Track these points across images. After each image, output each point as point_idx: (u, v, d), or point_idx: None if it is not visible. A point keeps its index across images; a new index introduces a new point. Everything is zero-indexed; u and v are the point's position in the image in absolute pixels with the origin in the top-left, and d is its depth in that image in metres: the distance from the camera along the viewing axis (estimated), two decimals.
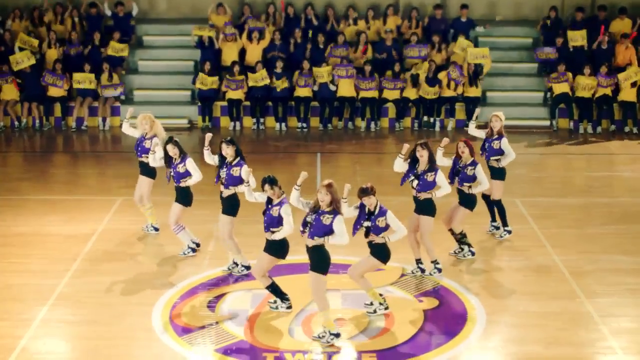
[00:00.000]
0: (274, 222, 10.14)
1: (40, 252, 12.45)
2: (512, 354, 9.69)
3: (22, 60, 20.14)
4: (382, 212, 10.23)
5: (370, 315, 10.44)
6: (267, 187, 10.13)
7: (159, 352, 9.65)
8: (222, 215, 11.54)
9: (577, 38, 20.99)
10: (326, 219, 9.63)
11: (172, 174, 12.01)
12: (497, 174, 12.82)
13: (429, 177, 11.35)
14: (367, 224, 10.22)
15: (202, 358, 9.53)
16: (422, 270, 11.65)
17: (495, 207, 13.00)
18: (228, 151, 11.34)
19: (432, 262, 11.66)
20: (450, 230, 12.21)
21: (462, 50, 20.77)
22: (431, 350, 9.68)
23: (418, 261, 11.71)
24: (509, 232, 12.98)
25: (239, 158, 11.36)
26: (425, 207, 11.51)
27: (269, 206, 10.19)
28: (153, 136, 12.65)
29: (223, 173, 11.37)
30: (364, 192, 10.11)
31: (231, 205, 11.48)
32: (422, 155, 11.33)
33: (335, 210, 9.65)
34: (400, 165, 11.59)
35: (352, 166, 17.52)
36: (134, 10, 21.84)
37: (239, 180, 11.27)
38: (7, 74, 20.14)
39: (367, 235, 10.28)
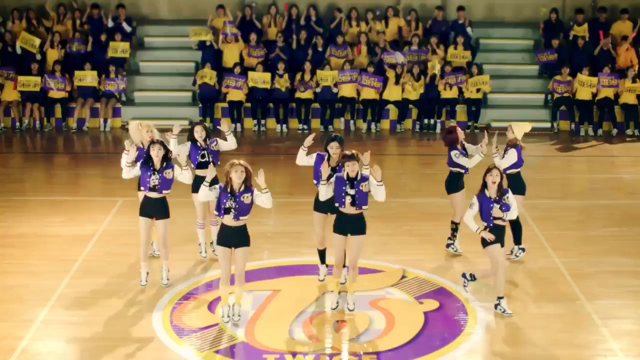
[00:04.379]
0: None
1: (41, 253, 12.45)
2: (512, 356, 9.68)
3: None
4: (365, 178, 10.18)
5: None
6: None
7: (159, 354, 9.64)
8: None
9: (580, 30, 21.10)
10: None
11: (205, 159, 11.63)
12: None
13: (507, 200, 10.38)
14: (351, 191, 10.11)
15: None
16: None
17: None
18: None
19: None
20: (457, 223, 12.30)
21: (456, 58, 20.83)
22: (431, 352, 9.67)
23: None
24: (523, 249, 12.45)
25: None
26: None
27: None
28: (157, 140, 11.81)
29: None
30: (350, 157, 10.04)
31: None
32: (495, 181, 10.27)
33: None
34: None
35: None
36: (127, 29, 21.78)
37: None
38: (9, 69, 20.20)
39: (353, 204, 10.14)
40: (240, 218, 9.92)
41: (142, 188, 10.98)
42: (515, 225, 12.00)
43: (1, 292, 11.16)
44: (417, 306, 10.83)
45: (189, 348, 9.74)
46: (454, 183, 12.18)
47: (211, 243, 12.09)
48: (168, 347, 9.76)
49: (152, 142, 10.86)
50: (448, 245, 12.46)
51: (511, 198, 10.32)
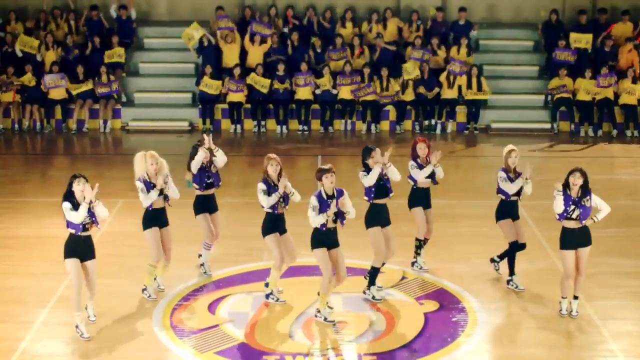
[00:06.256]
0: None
1: (40, 255, 12.45)
2: (512, 357, 9.69)
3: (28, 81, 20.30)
4: (341, 193, 10.23)
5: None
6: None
7: (159, 355, 9.65)
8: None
9: (581, 40, 21.03)
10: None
11: (210, 180, 11.51)
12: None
13: (587, 202, 10.51)
14: (334, 210, 10.10)
15: None
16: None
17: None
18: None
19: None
20: (426, 239, 12.02)
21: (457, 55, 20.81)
22: (432, 353, 9.68)
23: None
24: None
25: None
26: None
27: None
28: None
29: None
30: (328, 170, 10.08)
31: None
32: (576, 183, 10.45)
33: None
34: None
35: (353, 169, 17.49)
36: (132, 15, 21.89)
37: None
38: (7, 83, 20.19)
39: (335, 221, 10.17)
40: (286, 207, 10.77)
41: (71, 231, 9.88)
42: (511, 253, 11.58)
43: (1, 293, 11.17)
44: (417, 307, 10.84)
45: (189, 349, 9.74)
46: (413, 197, 11.86)
47: (202, 265, 11.95)
48: (168, 348, 9.77)
49: (75, 175, 9.88)
50: (412, 264, 12.12)
51: (594, 199, 10.49)
